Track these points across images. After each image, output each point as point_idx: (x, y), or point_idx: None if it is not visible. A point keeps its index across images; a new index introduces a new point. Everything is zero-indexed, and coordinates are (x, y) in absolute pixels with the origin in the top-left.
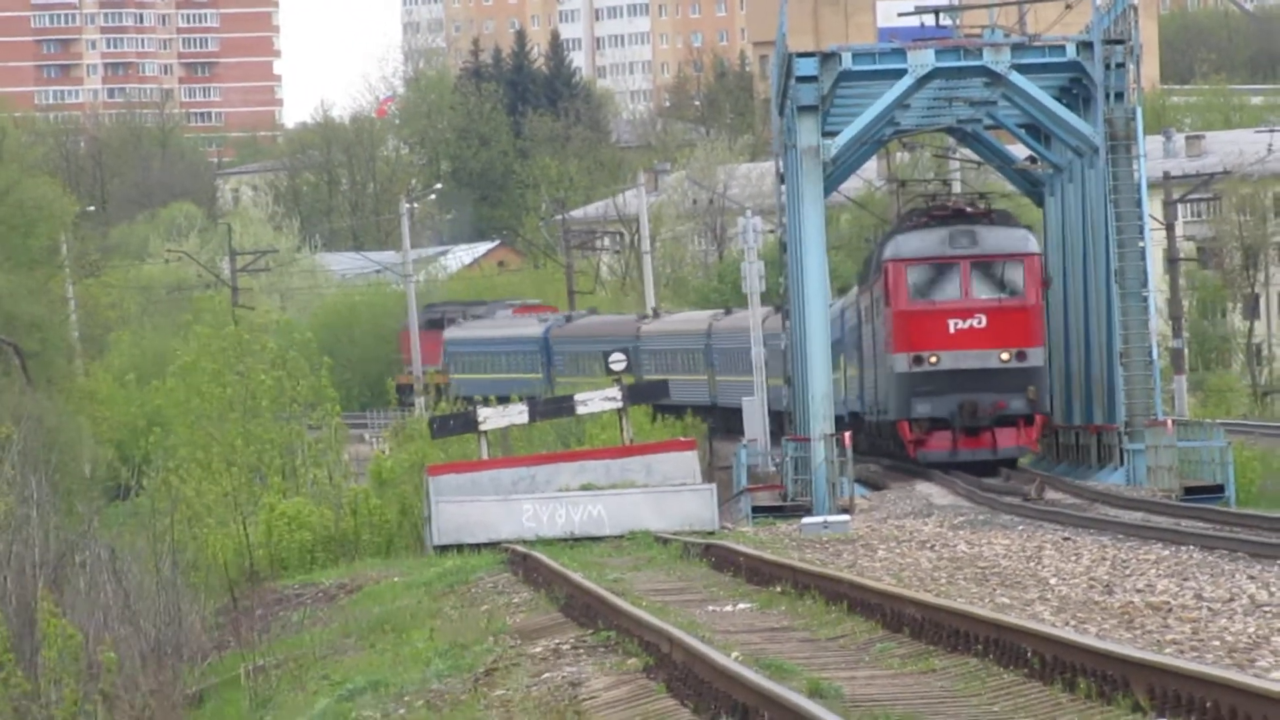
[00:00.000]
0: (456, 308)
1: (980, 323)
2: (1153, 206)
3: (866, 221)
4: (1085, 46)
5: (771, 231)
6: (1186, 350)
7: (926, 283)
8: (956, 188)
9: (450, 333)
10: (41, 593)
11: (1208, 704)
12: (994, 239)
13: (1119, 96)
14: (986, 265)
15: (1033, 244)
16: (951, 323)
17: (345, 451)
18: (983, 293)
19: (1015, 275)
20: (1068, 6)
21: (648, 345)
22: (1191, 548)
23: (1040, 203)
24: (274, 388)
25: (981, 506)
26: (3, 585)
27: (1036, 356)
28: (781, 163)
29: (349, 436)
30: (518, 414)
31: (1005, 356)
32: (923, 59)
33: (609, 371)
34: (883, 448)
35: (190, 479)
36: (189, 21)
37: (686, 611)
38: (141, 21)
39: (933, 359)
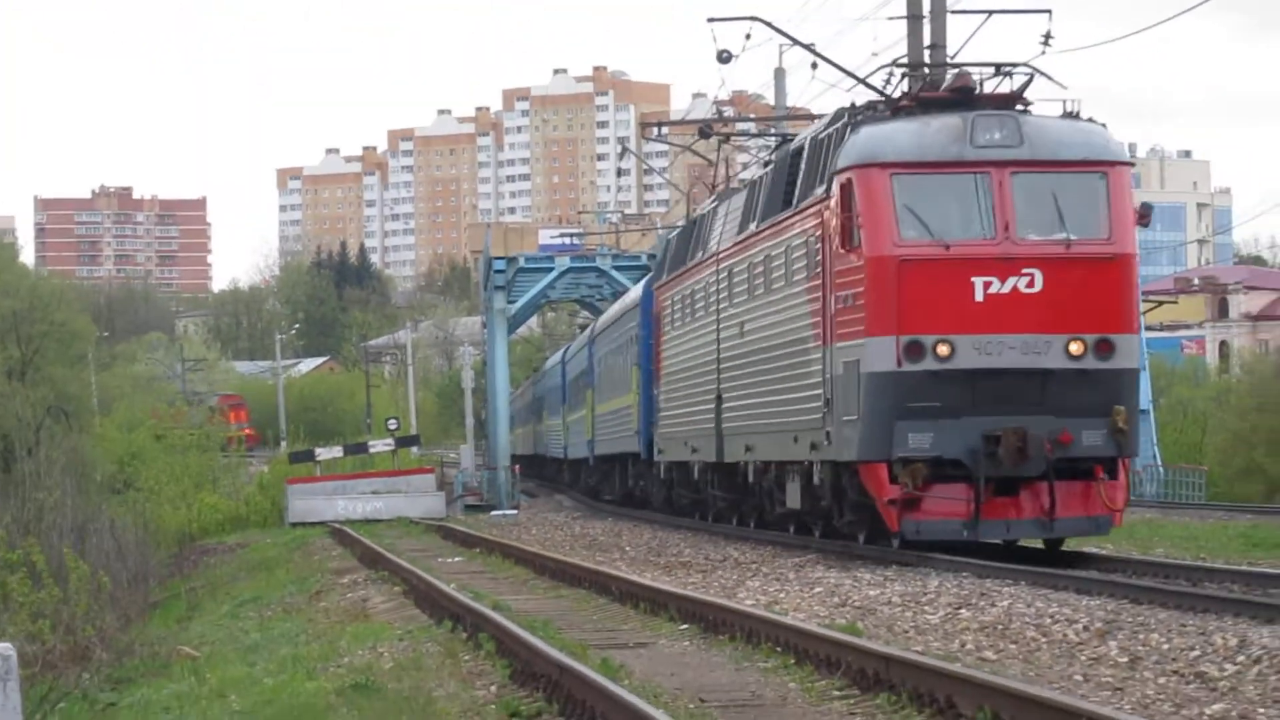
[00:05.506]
0: None
1: (1032, 284)
2: None
3: (531, 349)
4: (652, 257)
5: (479, 355)
6: None
7: (931, 209)
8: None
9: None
10: (65, 545)
11: (710, 617)
12: (1052, 134)
13: None
14: (1042, 180)
15: (1119, 148)
16: (980, 284)
17: (247, 471)
18: (1037, 230)
19: (1093, 200)
20: (643, 234)
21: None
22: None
23: None
24: (201, 436)
25: (590, 507)
26: (49, 542)
27: (1128, 351)
28: (484, 317)
29: (249, 462)
30: (337, 451)
31: (1077, 348)
32: (563, 263)
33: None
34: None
35: (156, 485)
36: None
37: (427, 561)
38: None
39: (942, 348)
